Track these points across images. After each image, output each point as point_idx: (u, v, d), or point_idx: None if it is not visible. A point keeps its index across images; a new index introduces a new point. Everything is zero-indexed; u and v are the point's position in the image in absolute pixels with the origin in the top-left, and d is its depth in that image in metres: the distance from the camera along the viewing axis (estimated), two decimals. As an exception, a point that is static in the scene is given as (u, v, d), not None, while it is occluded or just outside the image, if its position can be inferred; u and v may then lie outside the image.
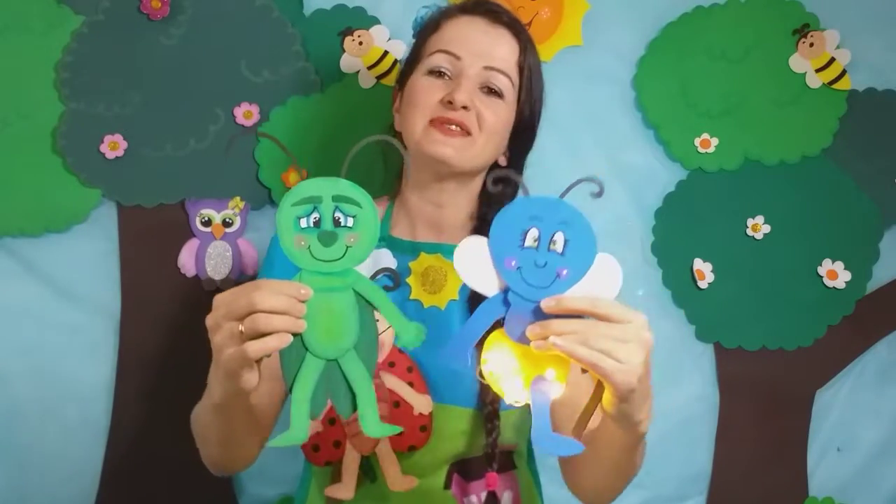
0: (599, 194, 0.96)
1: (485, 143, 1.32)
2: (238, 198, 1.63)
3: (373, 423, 1.00)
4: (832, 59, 1.75)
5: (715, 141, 1.74)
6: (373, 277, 1.15)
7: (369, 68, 1.67)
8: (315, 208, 0.98)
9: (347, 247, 0.99)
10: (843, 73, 1.76)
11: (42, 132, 1.58)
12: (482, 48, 1.31)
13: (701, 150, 1.75)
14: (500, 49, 1.32)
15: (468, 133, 1.30)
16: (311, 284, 0.98)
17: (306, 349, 0.98)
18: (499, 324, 0.97)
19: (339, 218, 0.99)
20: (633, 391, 0.95)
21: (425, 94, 1.31)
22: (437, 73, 1.32)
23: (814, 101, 1.76)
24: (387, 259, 1.34)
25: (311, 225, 0.98)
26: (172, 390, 1.58)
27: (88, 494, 1.62)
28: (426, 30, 1.38)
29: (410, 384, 1.27)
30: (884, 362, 1.80)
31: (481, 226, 1.39)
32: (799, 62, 1.76)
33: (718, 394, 1.78)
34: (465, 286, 1.24)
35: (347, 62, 1.67)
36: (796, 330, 1.76)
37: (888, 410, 1.81)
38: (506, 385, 0.97)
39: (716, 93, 1.76)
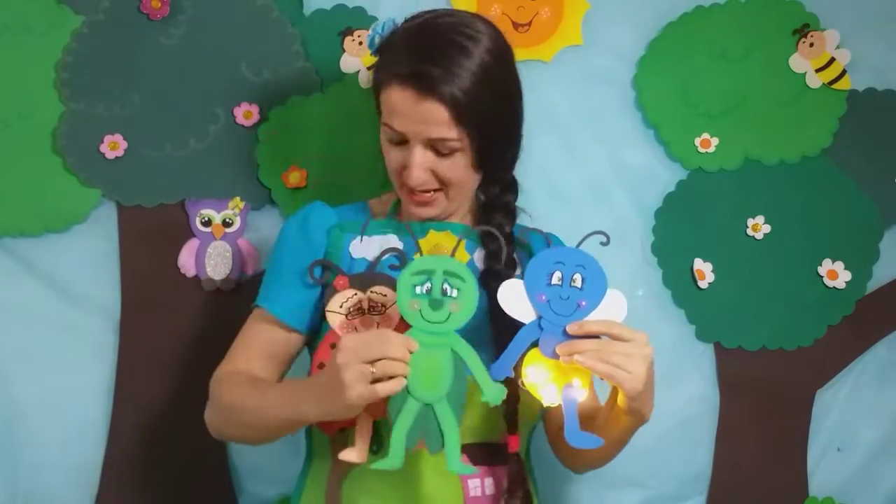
0: (606, 244, 1.23)
1: (456, 191, 1.36)
2: (238, 198, 1.64)
3: (455, 461, 1.20)
4: (832, 59, 1.75)
5: (715, 141, 1.74)
6: (380, 257, 1.33)
7: (369, 68, 1.66)
8: (428, 279, 1.20)
9: (450, 313, 1.21)
10: (843, 73, 1.76)
11: (42, 132, 1.59)
12: (417, 123, 1.29)
13: (701, 149, 1.75)
14: (433, 121, 1.29)
15: (436, 190, 1.35)
16: (419, 340, 1.19)
17: (409, 393, 1.18)
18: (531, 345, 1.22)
19: (446, 289, 1.21)
20: (640, 393, 1.19)
21: (389, 159, 1.36)
22: (394, 142, 1.34)
23: (814, 101, 1.76)
24: (394, 243, 1.37)
25: (424, 292, 1.20)
26: (172, 390, 1.59)
27: (88, 494, 1.62)
28: (376, 81, 1.36)
29: None
30: (884, 362, 1.80)
31: (481, 209, 1.42)
32: (799, 62, 1.76)
33: (718, 394, 1.78)
34: (471, 262, 1.39)
35: (347, 62, 1.67)
36: (796, 330, 1.76)
37: (888, 410, 1.81)
38: (543, 392, 1.22)
39: (716, 93, 1.76)
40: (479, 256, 1.39)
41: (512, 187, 1.43)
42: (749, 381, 1.77)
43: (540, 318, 1.21)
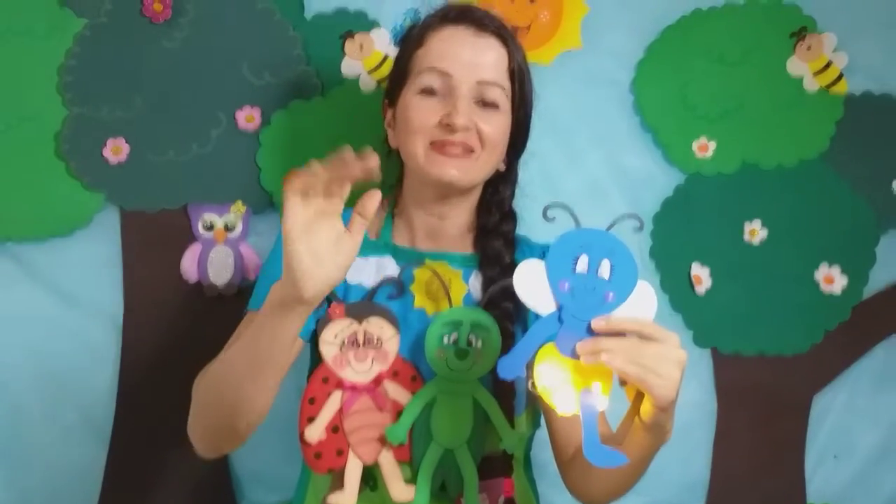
0: (641, 228, 1.11)
1: (487, 158, 1.34)
2: (240, 202, 1.64)
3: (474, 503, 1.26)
4: (829, 63, 1.77)
5: (713, 145, 1.76)
6: (377, 287, 1.30)
7: (370, 72, 1.68)
8: (456, 330, 1.25)
9: (474, 363, 1.26)
10: (841, 76, 1.78)
11: (45, 136, 1.58)
12: (472, 61, 1.30)
13: (699, 154, 1.76)
14: (489, 60, 1.31)
15: (471, 151, 1.31)
16: (442, 388, 1.26)
17: (432, 438, 1.25)
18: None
19: (472, 340, 1.25)
20: (672, 402, 1.06)
21: (421, 116, 1.31)
22: (430, 92, 1.31)
23: (811, 104, 1.78)
24: (391, 268, 1.36)
25: (451, 342, 1.25)
26: (174, 395, 1.59)
27: (91, 499, 1.63)
28: (410, 44, 1.37)
29: (414, 394, 1.29)
30: (881, 367, 1.82)
31: (480, 235, 1.41)
32: (796, 65, 1.78)
33: (716, 399, 1.79)
34: (468, 295, 1.34)
35: (348, 66, 1.67)
36: (793, 335, 1.78)
37: (885, 416, 1.83)
38: (557, 397, 1.08)
39: (714, 96, 1.77)
40: (474, 284, 1.37)
41: (511, 218, 1.43)
42: (746, 387, 1.78)
43: (560, 309, 1.07)
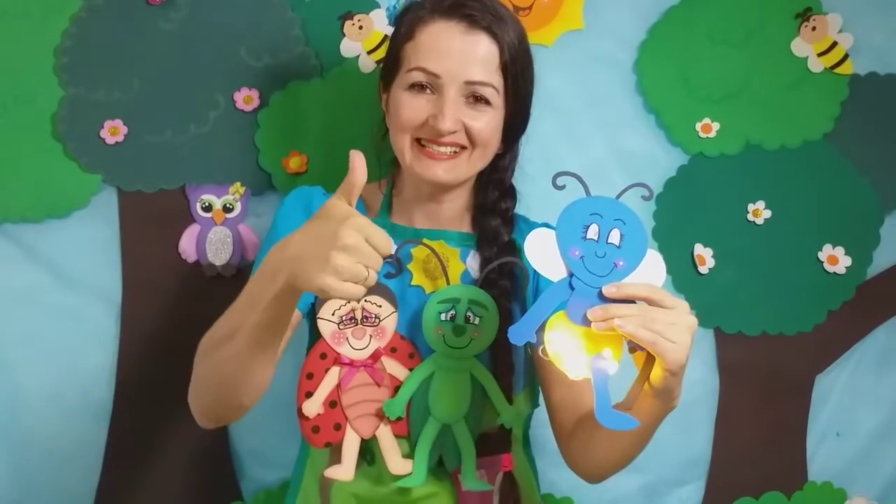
0: (649, 198, 1.16)
1: (479, 154, 1.33)
2: (238, 183, 1.65)
3: (471, 480, 1.28)
4: (834, 44, 1.76)
5: (716, 126, 1.75)
6: None
7: (369, 52, 1.68)
8: (453, 307, 1.27)
9: (471, 339, 1.28)
10: (846, 57, 1.77)
11: (42, 118, 1.59)
12: (461, 61, 1.28)
13: (702, 134, 1.76)
14: (479, 59, 1.28)
15: (461, 148, 1.31)
16: (440, 364, 1.28)
17: (430, 414, 1.27)
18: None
19: (469, 317, 1.27)
20: (683, 367, 1.07)
21: (409, 112, 1.30)
22: (419, 88, 1.30)
23: (815, 85, 1.78)
24: None
25: (448, 319, 1.27)
26: (173, 375, 1.59)
27: (91, 479, 1.64)
28: (401, 34, 1.34)
29: (411, 370, 1.30)
30: (884, 347, 1.83)
31: (479, 214, 1.41)
32: (801, 46, 1.77)
33: (718, 378, 1.80)
34: (466, 272, 1.34)
35: (347, 46, 1.68)
36: (796, 315, 1.78)
37: (888, 395, 1.84)
38: (568, 363, 1.09)
39: (717, 77, 1.77)
40: (472, 264, 1.38)
41: (511, 194, 1.43)
42: (749, 366, 1.79)
43: (571, 276, 1.08)
